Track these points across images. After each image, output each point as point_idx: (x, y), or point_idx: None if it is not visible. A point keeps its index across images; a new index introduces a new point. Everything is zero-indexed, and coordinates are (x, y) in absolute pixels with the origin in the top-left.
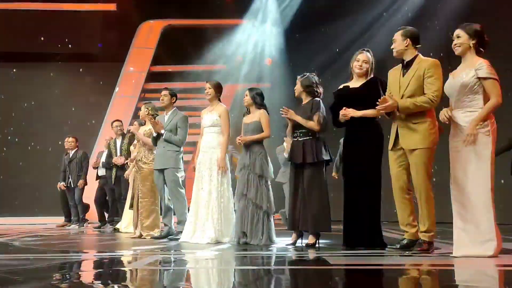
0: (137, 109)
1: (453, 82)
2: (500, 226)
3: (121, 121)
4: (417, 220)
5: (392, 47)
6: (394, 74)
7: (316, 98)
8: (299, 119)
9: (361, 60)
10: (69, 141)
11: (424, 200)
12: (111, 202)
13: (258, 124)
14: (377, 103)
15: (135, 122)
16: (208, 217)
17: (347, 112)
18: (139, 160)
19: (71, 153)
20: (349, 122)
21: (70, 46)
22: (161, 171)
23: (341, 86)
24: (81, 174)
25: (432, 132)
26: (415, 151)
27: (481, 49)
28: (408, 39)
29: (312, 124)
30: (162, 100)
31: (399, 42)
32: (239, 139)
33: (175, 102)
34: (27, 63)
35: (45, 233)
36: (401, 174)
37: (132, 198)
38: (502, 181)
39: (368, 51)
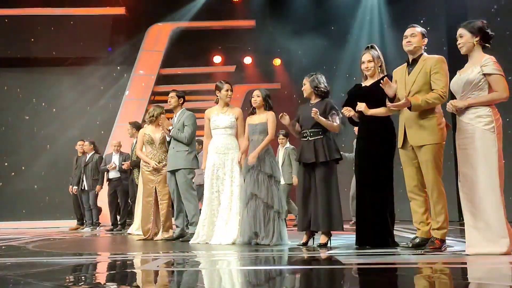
0: (147, 112)
1: (458, 79)
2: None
3: (132, 124)
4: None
5: (409, 40)
6: (399, 73)
7: (330, 100)
8: (324, 121)
9: (366, 61)
10: (85, 145)
11: (436, 196)
12: (123, 205)
13: (266, 126)
14: (388, 104)
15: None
16: (230, 218)
17: (360, 106)
18: (159, 162)
19: (87, 156)
20: (362, 120)
21: (80, 50)
22: (173, 172)
23: (354, 85)
24: (97, 178)
25: (440, 128)
26: (423, 147)
27: (486, 45)
28: (426, 39)
29: (337, 126)
30: (169, 102)
31: (418, 39)
32: (250, 161)
33: (183, 103)
34: (37, 67)
35: (58, 236)
36: (414, 172)
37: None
38: None
39: (372, 47)
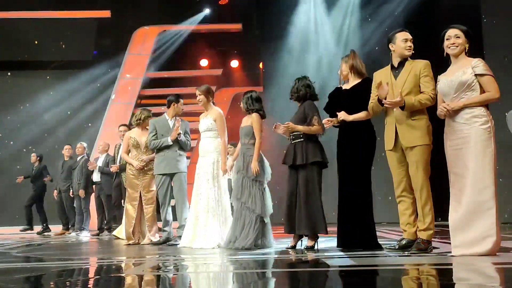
0: (134, 115)
1: (449, 82)
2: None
3: (126, 126)
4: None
5: (410, 45)
6: (383, 76)
7: (308, 101)
8: (300, 128)
9: (339, 70)
10: (78, 147)
11: (425, 198)
12: (107, 209)
13: (250, 129)
14: (384, 101)
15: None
16: (208, 222)
17: (340, 115)
18: (144, 167)
19: (77, 159)
20: (342, 124)
21: (65, 53)
22: (169, 175)
23: (335, 88)
24: (80, 182)
25: (429, 129)
26: (415, 148)
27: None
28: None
29: (316, 129)
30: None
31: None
32: (253, 171)
33: (175, 106)
34: (23, 70)
35: (43, 242)
36: (404, 174)
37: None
38: None
39: (346, 55)
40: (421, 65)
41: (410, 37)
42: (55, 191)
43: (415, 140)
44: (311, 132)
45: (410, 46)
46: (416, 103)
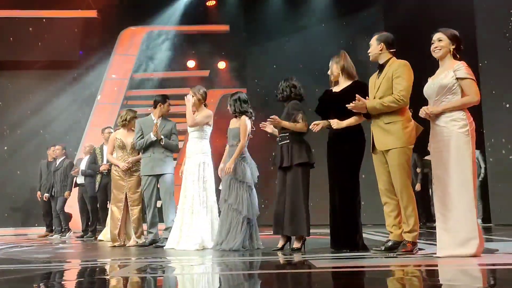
0: (120, 116)
1: (432, 84)
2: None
3: (112, 128)
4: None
5: (368, 51)
6: (372, 79)
7: (292, 101)
8: (286, 124)
9: (330, 70)
10: (56, 149)
11: (406, 200)
12: (91, 210)
13: (238, 131)
14: (347, 105)
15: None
16: (193, 223)
17: (333, 124)
18: (130, 168)
19: (58, 161)
20: (331, 126)
21: (50, 53)
22: (156, 176)
23: (324, 91)
24: (66, 184)
25: (405, 132)
26: (390, 151)
27: (457, 55)
28: (382, 44)
29: (300, 126)
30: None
31: (374, 47)
32: (225, 170)
33: (162, 107)
34: (7, 71)
35: (27, 244)
36: (387, 176)
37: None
38: None
39: (337, 55)
40: (395, 66)
41: (370, 42)
42: (39, 192)
43: (388, 144)
44: (296, 129)
45: (368, 52)
46: (378, 106)
